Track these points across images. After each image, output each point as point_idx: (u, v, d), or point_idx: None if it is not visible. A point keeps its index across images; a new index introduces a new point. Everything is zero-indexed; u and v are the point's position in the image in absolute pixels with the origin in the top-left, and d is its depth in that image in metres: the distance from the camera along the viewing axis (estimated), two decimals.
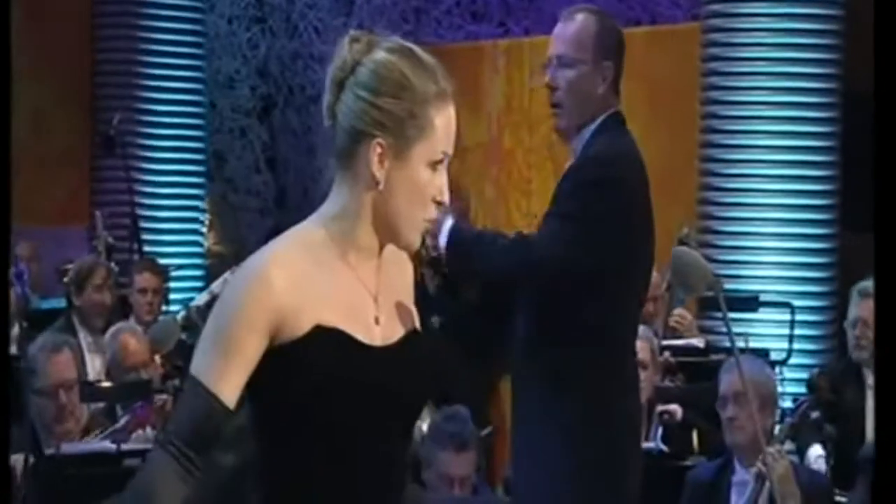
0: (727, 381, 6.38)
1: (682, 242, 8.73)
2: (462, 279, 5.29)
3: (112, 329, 7.63)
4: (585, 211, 5.03)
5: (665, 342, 8.01)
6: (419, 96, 3.22)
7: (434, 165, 3.24)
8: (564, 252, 5.01)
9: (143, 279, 9.23)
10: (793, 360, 8.05)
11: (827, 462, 6.77)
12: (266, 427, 3.28)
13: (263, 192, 12.56)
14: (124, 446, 6.07)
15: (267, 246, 3.28)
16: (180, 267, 11.05)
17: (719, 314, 8.61)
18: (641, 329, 7.62)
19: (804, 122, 8.98)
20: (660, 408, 7.12)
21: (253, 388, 3.21)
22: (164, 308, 9.40)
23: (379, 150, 3.21)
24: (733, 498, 6.23)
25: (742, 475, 6.23)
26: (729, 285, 8.83)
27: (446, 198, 3.27)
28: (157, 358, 7.32)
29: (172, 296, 10.17)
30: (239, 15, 12.14)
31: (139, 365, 7.24)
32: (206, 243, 11.91)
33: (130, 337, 7.35)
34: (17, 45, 11.88)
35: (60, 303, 9.00)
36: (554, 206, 5.13)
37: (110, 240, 9.59)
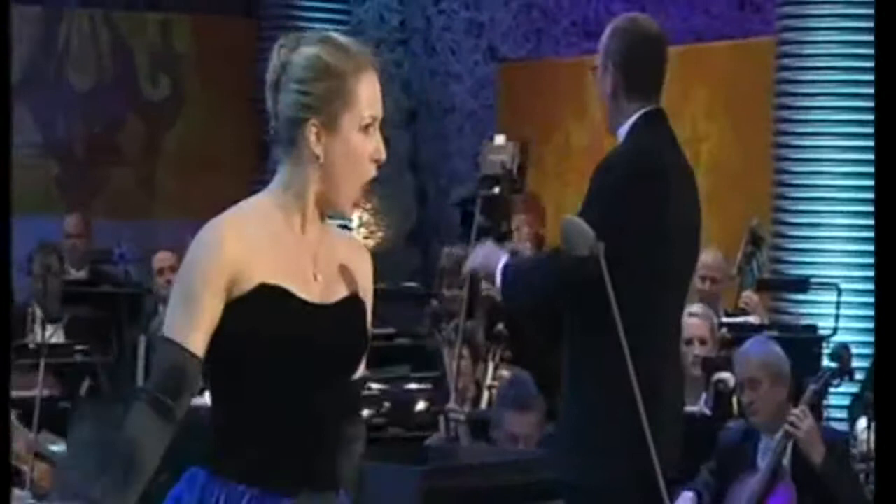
0: (740, 370, 6.37)
1: (752, 231, 8.64)
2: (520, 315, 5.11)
3: None
4: (604, 218, 4.63)
5: (725, 319, 7.85)
6: (339, 74, 3.25)
7: (365, 129, 3.27)
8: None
9: None
10: (840, 336, 7.84)
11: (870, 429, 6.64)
12: (218, 372, 3.28)
13: (407, 191, 12.61)
14: None
15: (223, 213, 3.30)
16: None
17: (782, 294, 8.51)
18: (702, 307, 7.50)
19: (867, 125, 8.78)
20: (715, 377, 6.99)
21: (210, 338, 3.24)
22: None
23: (314, 129, 3.24)
24: (759, 457, 6.19)
25: (766, 441, 6.21)
26: (796, 270, 8.71)
27: (383, 155, 3.29)
28: None
29: None
30: (385, 38, 12.19)
31: None
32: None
33: None
34: (190, 71, 12.37)
35: None
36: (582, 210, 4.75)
37: None
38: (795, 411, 6.06)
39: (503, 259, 4.93)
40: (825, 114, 8.83)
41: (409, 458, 5.08)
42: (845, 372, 6.21)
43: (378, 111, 3.31)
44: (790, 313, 8.61)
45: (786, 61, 8.89)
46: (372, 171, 3.31)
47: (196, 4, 12.64)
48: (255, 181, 11.96)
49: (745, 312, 8.23)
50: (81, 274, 10.16)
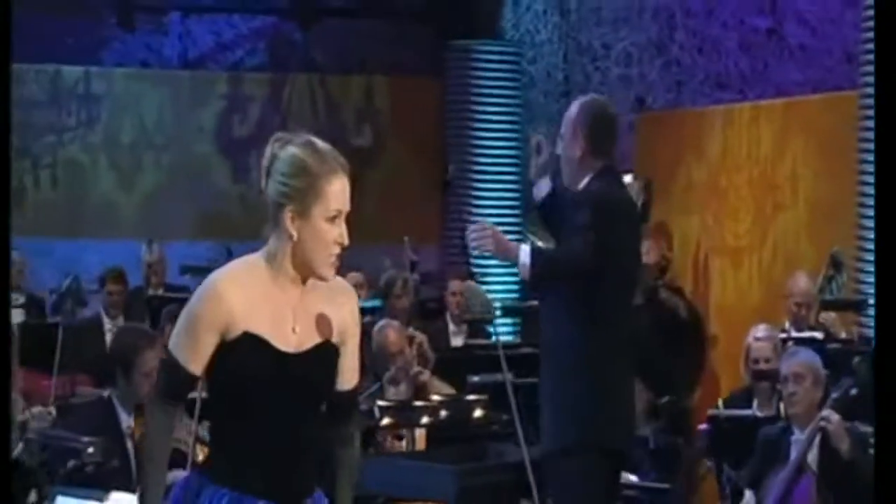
0: (788, 365, 6.44)
1: (833, 257, 8.68)
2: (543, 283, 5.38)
3: (379, 323, 7.57)
4: (593, 230, 5.08)
5: (794, 334, 7.84)
6: (314, 174, 3.39)
7: (331, 219, 3.40)
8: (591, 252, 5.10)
9: (455, 284, 9.55)
10: None
11: None
12: (211, 396, 3.51)
13: None
14: None
15: (225, 266, 3.49)
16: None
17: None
18: (766, 330, 7.45)
19: None
20: (779, 386, 7.08)
21: (207, 368, 3.43)
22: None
23: (290, 214, 3.40)
24: (792, 451, 6.24)
25: (798, 435, 6.25)
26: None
27: (346, 241, 3.43)
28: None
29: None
30: (551, 91, 12.30)
31: (397, 352, 7.23)
32: None
33: (391, 329, 7.34)
34: (388, 123, 12.80)
35: (375, 303, 9.20)
36: (574, 228, 5.18)
37: (414, 257, 9.71)
38: (825, 412, 6.12)
39: (523, 245, 5.19)
40: None
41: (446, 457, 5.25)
42: (861, 384, 6.16)
43: (344, 206, 3.42)
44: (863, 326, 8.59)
45: (866, 112, 8.92)
46: (336, 251, 3.41)
47: (393, 69, 12.82)
48: (440, 212, 12.51)
49: (824, 327, 8.30)
50: None
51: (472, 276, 9.56)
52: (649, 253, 9.57)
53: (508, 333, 10.39)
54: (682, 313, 9.57)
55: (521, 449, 5.16)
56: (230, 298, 3.39)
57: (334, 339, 3.52)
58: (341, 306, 3.54)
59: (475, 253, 5.35)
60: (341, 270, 10.94)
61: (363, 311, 9.26)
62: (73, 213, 12.45)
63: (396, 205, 12.25)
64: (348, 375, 3.60)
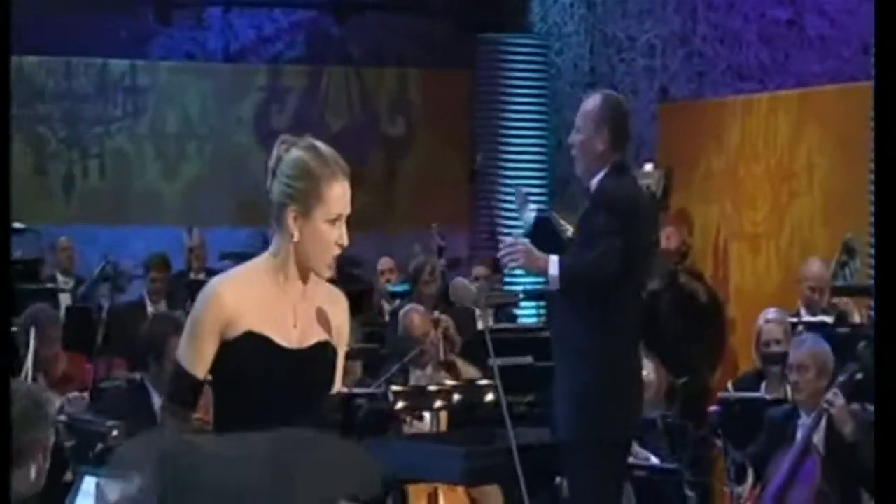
0: (793, 354, 6.45)
1: (846, 244, 8.68)
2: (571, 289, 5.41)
3: (405, 308, 7.60)
4: (617, 235, 5.17)
5: (806, 318, 7.77)
6: (316, 177, 3.40)
7: (332, 221, 3.41)
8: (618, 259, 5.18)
9: (479, 270, 9.67)
10: None
11: None
12: (216, 391, 3.53)
13: None
14: None
15: (227, 271, 3.55)
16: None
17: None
18: (777, 313, 7.51)
19: None
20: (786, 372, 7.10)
21: (212, 366, 3.46)
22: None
23: (293, 215, 3.41)
24: (798, 433, 6.27)
25: (805, 419, 6.29)
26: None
27: (345, 241, 3.45)
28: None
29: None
30: (578, 81, 12.32)
31: (422, 336, 7.21)
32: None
33: (416, 313, 7.34)
34: (420, 113, 12.89)
35: (405, 287, 9.27)
36: (596, 233, 5.22)
37: (442, 243, 9.73)
38: (829, 396, 6.13)
39: (552, 256, 5.20)
40: None
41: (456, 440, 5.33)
42: (865, 368, 6.14)
43: (345, 209, 3.43)
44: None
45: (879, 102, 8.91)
46: (335, 252, 3.43)
47: (425, 62, 12.88)
48: (468, 200, 12.60)
49: (838, 311, 8.29)
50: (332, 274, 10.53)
51: (497, 261, 9.64)
52: (670, 239, 9.63)
53: (531, 317, 10.50)
54: (701, 297, 9.60)
55: (532, 432, 5.23)
56: (228, 300, 3.40)
57: (333, 339, 3.53)
58: (337, 310, 3.55)
59: (508, 268, 5.42)
60: (375, 254, 10.97)
61: (393, 295, 9.54)
62: (119, 201, 12.64)
63: (427, 193, 12.34)
64: (337, 377, 3.60)
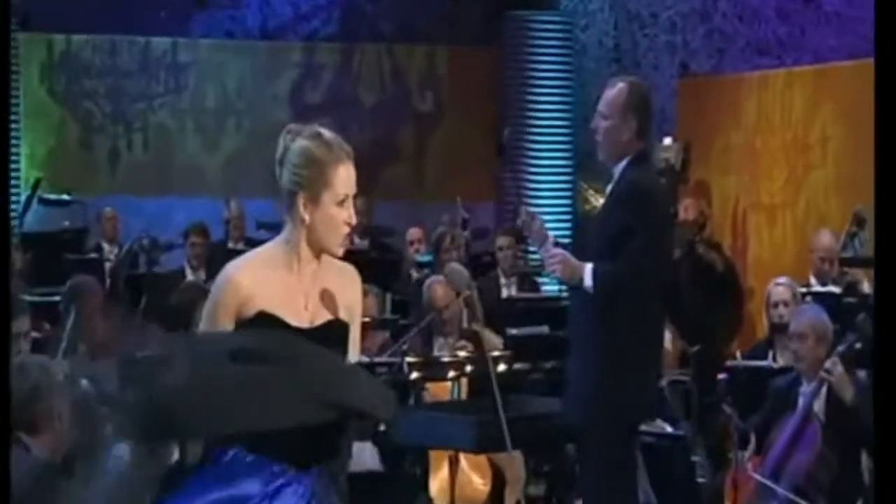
0: (794, 324, 6.41)
1: (855, 215, 8.67)
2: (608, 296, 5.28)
3: (429, 280, 7.56)
4: (647, 236, 5.09)
5: (816, 288, 7.90)
6: (322, 163, 3.44)
7: (340, 203, 3.46)
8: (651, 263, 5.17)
9: (502, 240, 9.59)
10: None
11: None
12: None
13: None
14: None
15: (241, 256, 3.57)
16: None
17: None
18: (786, 278, 7.55)
19: None
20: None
21: None
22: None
23: (302, 201, 3.45)
24: (800, 401, 6.28)
25: (806, 387, 6.30)
26: None
27: (354, 221, 3.51)
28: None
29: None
30: (602, 57, 12.33)
31: (444, 307, 7.16)
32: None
33: (438, 285, 7.28)
34: (449, 89, 12.92)
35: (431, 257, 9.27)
36: (625, 232, 5.10)
37: (466, 215, 9.79)
38: (828, 364, 6.12)
39: (587, 265, 5.12)
40: None
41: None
42: (864, 338, 6.10)
43: (351, 190, 3.47)
44: None
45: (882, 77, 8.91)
46: (346, 231, 3.47)
47: (453, 38, 12.91)
48: (496, 173, 12.65)
49: (847, 281, 8.34)
50: (364, 243, 10.29)
51: (519, 231, 9.70)
52: (688, 210, 9.70)
53: (553, 287, 10.58)
54: (718, 267, 9.58)
55: (544, 401, 5.31)
56: (242, 282, 3.44)
57: (342, 316, 3.56)
58: (348, 287, 3.59)
59: (551, 275, 5.32)
60: (405, 224, 10.96)
61: (421, 265, 9.62)
62: (162, 174, 12.83)
63: (455, 166, 12.40)
64: (352, 349, 3.62)
